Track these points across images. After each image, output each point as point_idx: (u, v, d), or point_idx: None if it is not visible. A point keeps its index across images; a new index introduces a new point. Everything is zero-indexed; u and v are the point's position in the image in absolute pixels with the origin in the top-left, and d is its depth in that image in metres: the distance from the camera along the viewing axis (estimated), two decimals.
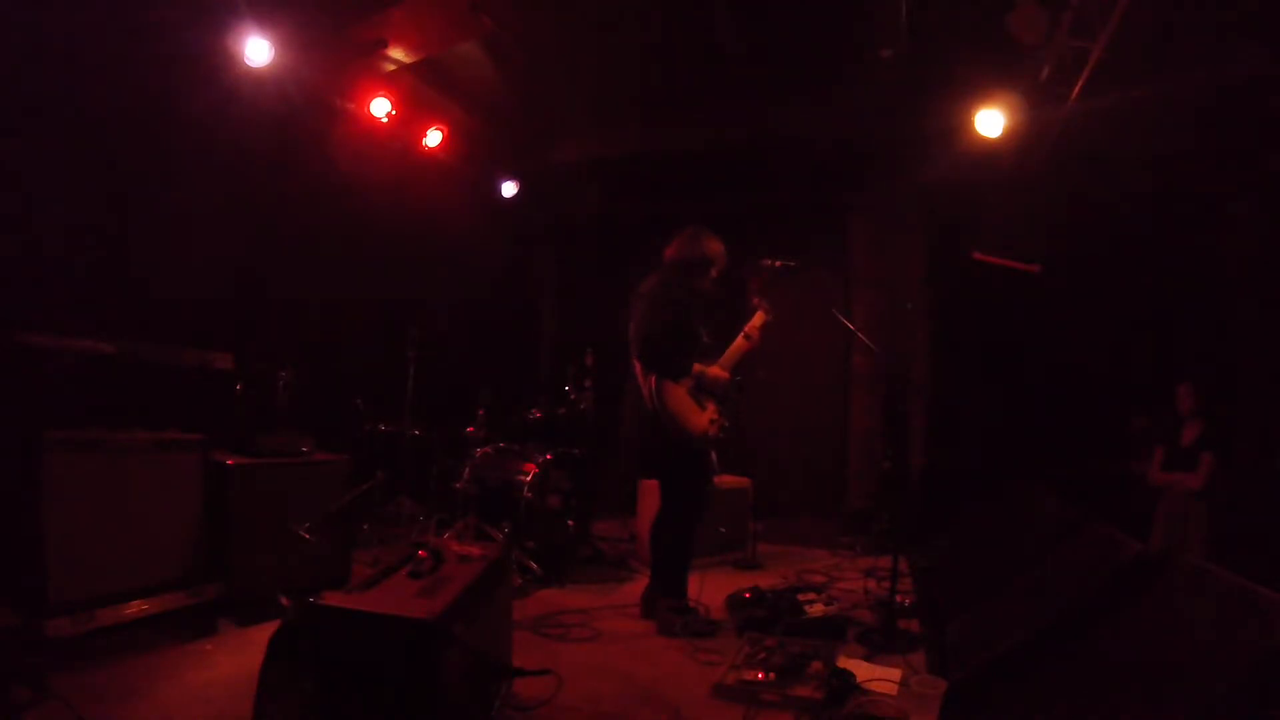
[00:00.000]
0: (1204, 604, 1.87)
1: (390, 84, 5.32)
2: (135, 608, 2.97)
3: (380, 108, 5.28)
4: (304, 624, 1.90)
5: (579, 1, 4.89)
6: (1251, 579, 1.78)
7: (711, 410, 3.61)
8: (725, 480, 4.64)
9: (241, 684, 2.29)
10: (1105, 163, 5.16)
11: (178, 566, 3.17)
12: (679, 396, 3.52)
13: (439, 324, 5.79)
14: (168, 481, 3.17)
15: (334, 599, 1.99)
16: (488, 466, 4.53)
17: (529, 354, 7.67)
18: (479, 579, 2.30)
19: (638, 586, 3.95)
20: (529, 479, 4.40)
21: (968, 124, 4.88)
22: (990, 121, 4.76)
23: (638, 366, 3.59)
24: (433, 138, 5.82)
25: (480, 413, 4.90)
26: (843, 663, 2.92)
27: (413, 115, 5.66)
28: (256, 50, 4.24)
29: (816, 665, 2.86)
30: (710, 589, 3.89)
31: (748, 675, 2.80)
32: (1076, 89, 4.24)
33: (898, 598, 3.56)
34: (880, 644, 3.29)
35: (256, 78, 4.36)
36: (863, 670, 2.88)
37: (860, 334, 4.37)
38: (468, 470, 4.50)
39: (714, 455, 3.73)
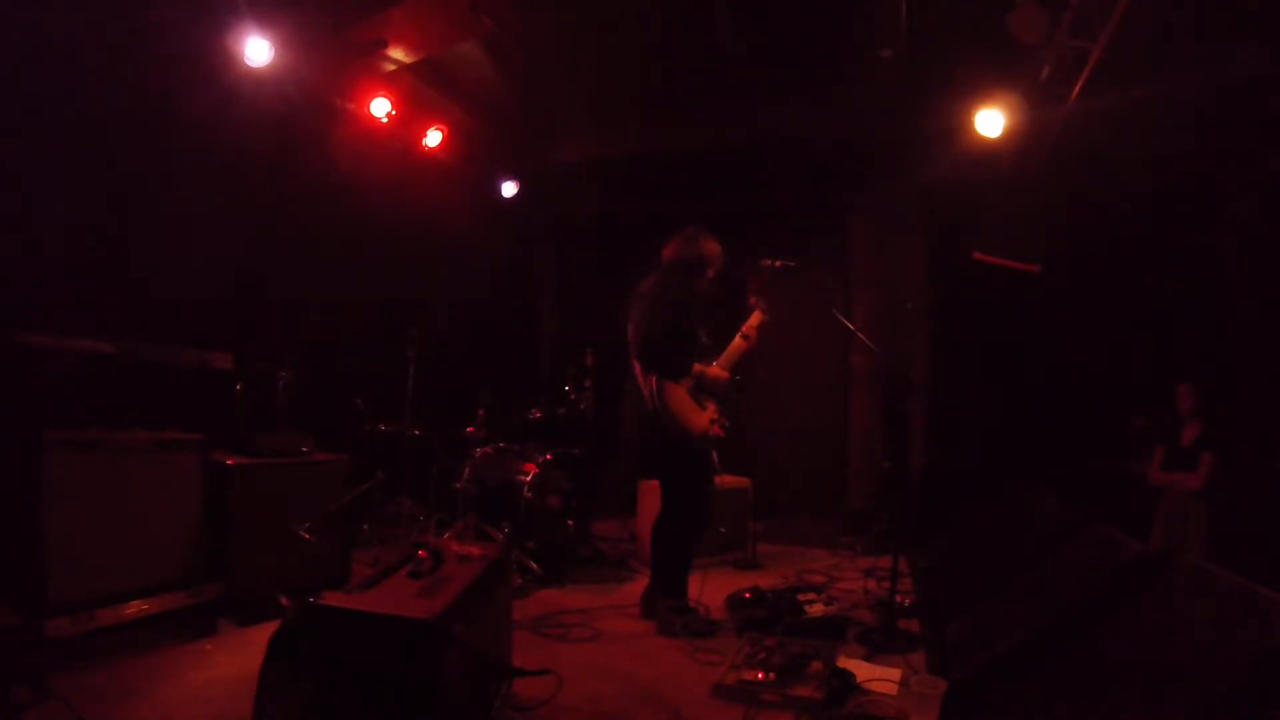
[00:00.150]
0: (1204, 604, 1.87)
1: (390, 84, 5.32)
2: (135, 608, 2.97)
3: (380, 108, 5.28)
4: (304, 624, 1.90)
5: (579, 1, 4.90)
6: (1251, 579, 1.78)
7: (712, 410, 3.61)
8: (725, 480, 4.64)
9: (241, 684, 2.29)
10: (1105, 163, 5.16)
11: (178, 566, 3.17)
12: (679, 396, 3.52)
13: (439, 324, 5.78)
14: (168, 481, 3.18)
15: (334, 599, 1.99)
16: (488, 466, 4.54)
17: (529, 354, 7.67)
18: (479, 579, 2.30)
19: (638, 586, 3.95)
20: (529, 479, 4.40)
21: (968, 124, 4.87)
22: (990, 121, 4.76)
23: (637, 367, 3.59)
24: (433, 138, 5.82)
25: (480, 413, 4.91)
26: (843, 663, 2.92)
27: (413, 115, 5.66)
28: (256, 50, 4.24)
29: (816, 665, 2.86)
30: (710, 589, 3.90)
31: (748, 675, 2.80)
32: (1076, 89, 4.23)
33: (898, 598, 3.55)
34: (880, 644, 3.28)
35: (256, 78, 4.36)
36: (863, 670, 2.88)
37: (860, 334, 4.37)
38: (468, 470, 4.51)
39: (715, 455, 3.73)
